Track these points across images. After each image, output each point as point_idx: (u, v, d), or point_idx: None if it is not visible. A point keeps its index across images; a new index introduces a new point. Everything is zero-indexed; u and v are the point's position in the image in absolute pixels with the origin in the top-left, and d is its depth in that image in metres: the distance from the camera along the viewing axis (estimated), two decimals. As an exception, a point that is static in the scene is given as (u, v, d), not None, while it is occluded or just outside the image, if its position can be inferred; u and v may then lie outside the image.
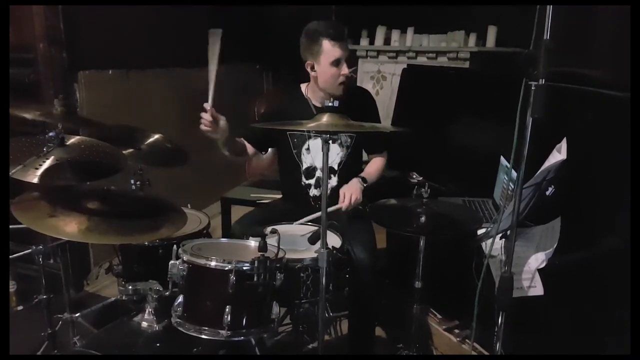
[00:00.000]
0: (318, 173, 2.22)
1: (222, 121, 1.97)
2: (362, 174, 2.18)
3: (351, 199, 2.02)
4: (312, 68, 2.10)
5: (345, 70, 2.06)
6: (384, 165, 2.33)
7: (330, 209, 1.98)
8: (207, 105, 1.91)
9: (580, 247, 1.81)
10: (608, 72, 2.12)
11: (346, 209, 2.01)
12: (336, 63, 2.05)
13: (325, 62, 2.05)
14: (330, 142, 1.52)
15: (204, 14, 3.63)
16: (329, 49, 2.03)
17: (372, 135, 2.27)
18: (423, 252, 1.88)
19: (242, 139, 2.25)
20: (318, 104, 2.19)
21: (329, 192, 1.58)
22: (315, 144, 2.19)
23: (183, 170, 2.17)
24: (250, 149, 2.28)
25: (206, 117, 1.92)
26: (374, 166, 2.30)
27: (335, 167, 2.21)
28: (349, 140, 2.21)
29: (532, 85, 1.33)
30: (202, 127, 1.95)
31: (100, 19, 2.83)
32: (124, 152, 1.97)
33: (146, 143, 2.09)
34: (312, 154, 2.21)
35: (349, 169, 2.22)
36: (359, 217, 2.15)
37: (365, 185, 2.13)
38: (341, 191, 2.05)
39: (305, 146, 2.21)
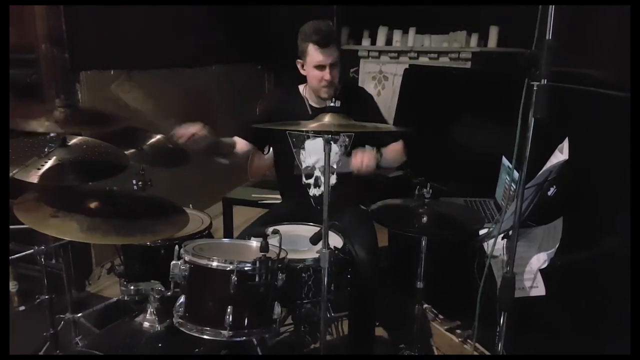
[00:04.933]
0: (317, 172, 2.21)
1: (198, 128, 1.90)
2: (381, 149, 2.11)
3: (363, 163, 1.95)
4: (302, 66, 2.12)
5: (327, 76, 2.05)
6: (403, 150, 2.21)
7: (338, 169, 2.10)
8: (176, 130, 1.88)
9: (582, 247, 1.81)
10: (610, 72, 2.12)
11: (357, 170, 1.96)
12: (319, 67, 2.05)
13: (309, 64, 2.06)
14: (332, 142, 1.51)
15: (205, 13, 3.64)
16: (313, 53, 2.04)
17: (378, 133, 2.21)
18: (425, 252, 1.88)
19: (232, 138, 2.20)
20: (315, 104, 2.19)
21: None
22: (314, 144, 2.18)
23: (185, 170, 2.17)
24: (242, 146, 2.20)
25: (179, 131, 1.88)
26: (393, 147, 2.19)
27: (334, 167, 2.19)
28: (347, 140, 2.20)
29: (534, 85, 1.33)
30: (182, 141, 1.90)
31: (102, 19, 2.84)
32: (126, 152, 1.97)
33: (148, 143, 2.10)
34: (311, 154, 2.20)
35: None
36: (361, 217, 2.14)
37: (380, 157, 2.05)
38: (355, 153, 1.98)
39: (304, 146, 2.20)
